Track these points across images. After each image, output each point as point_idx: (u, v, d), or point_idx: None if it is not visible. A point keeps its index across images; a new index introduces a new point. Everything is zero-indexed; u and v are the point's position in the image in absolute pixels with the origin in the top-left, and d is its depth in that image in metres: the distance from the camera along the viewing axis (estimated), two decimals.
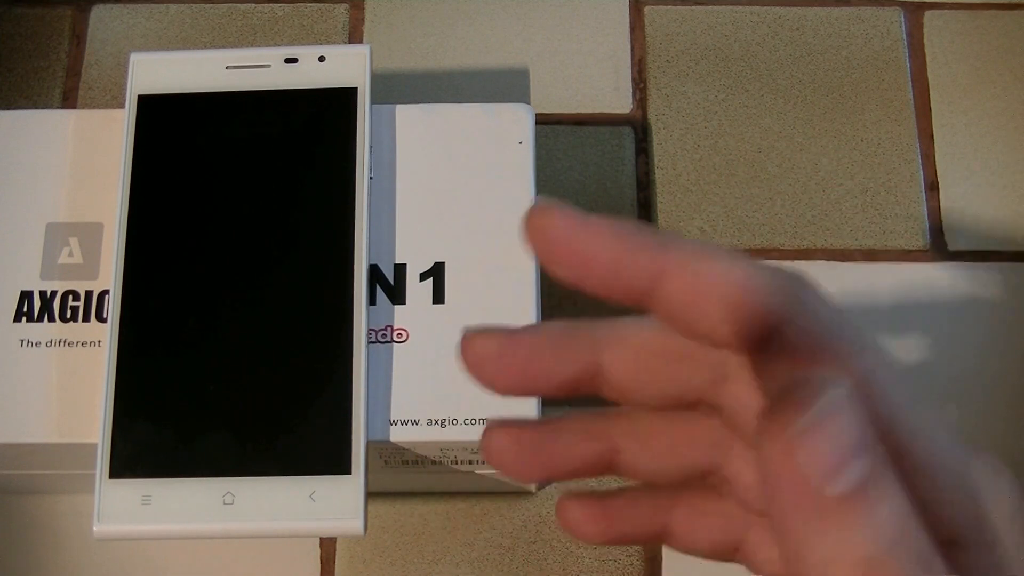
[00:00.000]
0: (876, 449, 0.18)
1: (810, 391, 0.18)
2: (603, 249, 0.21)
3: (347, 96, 0.37)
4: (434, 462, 0.36)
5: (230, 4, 0.49)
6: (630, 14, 0.49)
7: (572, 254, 0.21)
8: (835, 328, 0.21)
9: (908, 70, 0.48)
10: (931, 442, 0.21)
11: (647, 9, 0.49)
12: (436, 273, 0.36)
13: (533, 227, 0.21)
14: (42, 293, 0.36)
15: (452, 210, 0.37)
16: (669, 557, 0.41)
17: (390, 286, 0.36)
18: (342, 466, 0.33)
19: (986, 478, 0.21)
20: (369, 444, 0.34)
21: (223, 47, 0.48)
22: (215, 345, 0.35)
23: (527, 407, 0.35)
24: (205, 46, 0.48)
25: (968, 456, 0.21)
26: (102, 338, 0.36)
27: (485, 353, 0.22)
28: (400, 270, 0.36)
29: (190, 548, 0.41)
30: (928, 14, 0.49)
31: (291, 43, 0.48)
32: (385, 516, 0.41)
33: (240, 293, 0.35)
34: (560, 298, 0.44)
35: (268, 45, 0.48)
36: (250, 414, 0.34)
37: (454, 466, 0.36)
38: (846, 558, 0.18)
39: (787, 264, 0.44)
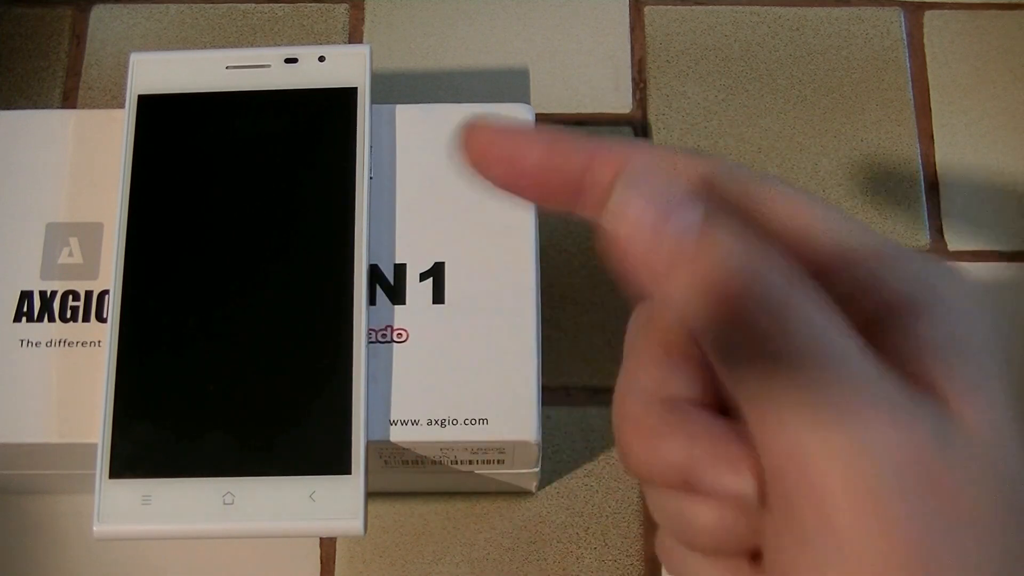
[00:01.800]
0: (706, 204, 0.20)
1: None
2: (534, 151, 0.23)
3: (347, 96, 0.37)
4: (434, 462, 0.36)
5: (230, 4, 0.49)
6: (630, 14, 0.49)
7: (505, 159, 0.23)
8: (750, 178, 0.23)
9: (908, 70, 0.48)
10: (857, 234, 0.22)
11: (647, 9, 0.49)
12: (436, 273, 0.36)
13: (467, 140, 0.23)
14: (42, 293, 0.36)
15: (452, 210, 0.37)
16: None
17: (390, 286, 0.36)
18: (342, 466, 0.33)
19: (933, 266, 0.22)
20: (369, 444, 0.34)
21: (223, 47, 0.48)
22: (215, 345, 0.35)
23: (528, 412, 0.35)
24: (205, 46, 0.48)
25: (923, 263, 0.22)
26: (102, 338, 0.36)
27: (489, 151, 0.23)
28: (400, 270, 0.36)
29: (190, 548, 0.41)
30: (928, 14, 0.49)
31: (291, 43, 0.48)
32: (385, 516, 0.41)
33: (240, 293, 0.35)
34: (560, 298, 0.44)
35: (268, 45, 0.48)
36: (250, 414, 0.34)
37: (454, 466, 0.36)
38: (696, 291, 0.20)
39: None
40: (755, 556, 0.22)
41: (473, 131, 0.23)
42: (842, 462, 0.19)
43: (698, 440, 0.21)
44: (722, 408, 0.22)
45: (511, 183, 0.23)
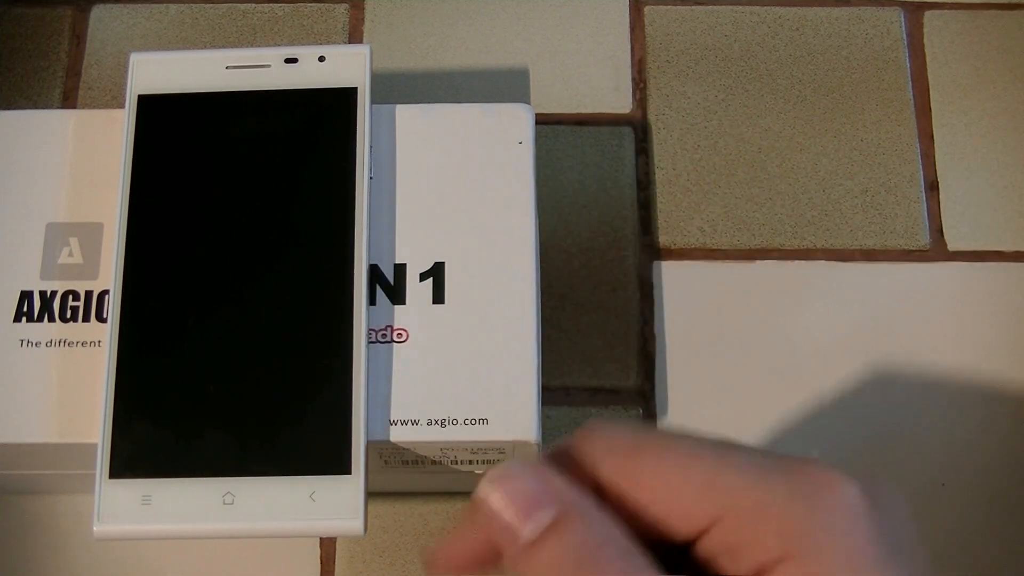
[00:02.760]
0: (563, 497, 0.24)
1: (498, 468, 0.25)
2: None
3: (347, 96, 0.37)
4: (434, 462, 0.36)
5: (230, 4, 0.49)
6: (630, 14, 0.49)
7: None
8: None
9: (908, 70, 0.48)
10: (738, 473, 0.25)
11: (647, 9, 0.49)
12: (436, 273, 0.36)
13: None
14: (42, 293, 0.36)
15: (452, 210, 0.37)
16: None
17: (390, 286, 0.36)
18: (342, 466, 0.33)
19: (813, 491, 0.24)
20: (369, 444, 0.34)
21: (223, 47, 0.48)
22: (215, 345, 0.35)
23: (528, 412, 0.35)
24: (205, 46, 0.48)
25: (787, 476, 0.25)
26: (102, 338, 0.36)
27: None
28: (400, 270, 0.36)
29: (190, 548, 0.41)
30: (928, 14, 0.49)
31: (291, 43, 0.48)
32: (385, 516, 0.41)
33: (240, 293, 0.35)
34: (560, 298, 0.44)
35: (268, 45, 0.48)
36: (250, 414, 0.34)
37: (454, 466, 0.37)
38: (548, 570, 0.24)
39: (787, 264, 0.44)
40: None
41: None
42: None
43: None
44: None
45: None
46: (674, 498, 0.25)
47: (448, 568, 0.27)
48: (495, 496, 0.25)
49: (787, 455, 0.26)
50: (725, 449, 0.26)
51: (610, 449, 0.26)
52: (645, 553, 0.24)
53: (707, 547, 0.25)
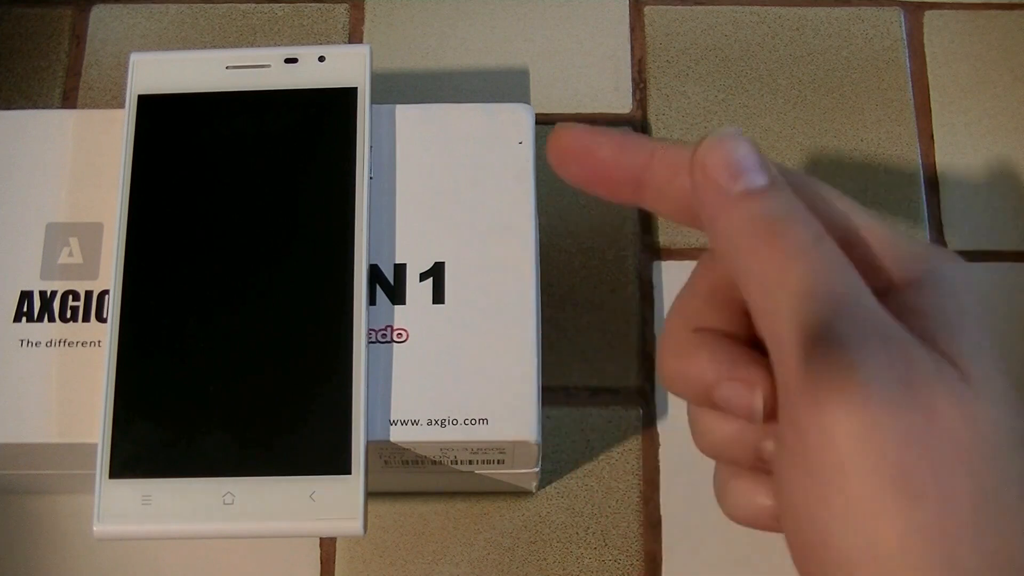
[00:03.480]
0: (778, 179, 0.25)
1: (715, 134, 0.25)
2: (604, 148, 0.27)
3: (347, 96, 0.37)
4: (434, 462, 0.36)
5: (230, 4, 0.49)
6: (630, 14, 0.49)
7: (581, 156, 0.27)
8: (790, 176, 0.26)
9: (908, 70, 0.48)
10: (885, 230, 0.26)
11: (647, 9, 0.49)
12: (436, 273, 0.36)
13: (552, 140, 0.27)
14: (42, 293, 0.36)
15: (452, 210, 0.37)
16: (669, 559, 0.41)
17: (390, 286, 0.36)
18: (342, 466, 0.33)
19: (951, 265, 0.26)
20: (369, 444, 0.34)
21: (223, 47, 0.48)
22: (215, 345, 0.35)
23: (528, 412, 0.35)
24: (205, 46, 0.48)
25: (930, 248, 0.26)
26: (102, 338, 0.36)
27: (570, 147, 0.27)
28: (400, 270, 0.36)
29: (190, 548, 0.41)
30: (928, 14, 0.49)
31: (291, 43, 0.48)
32: (385, 516, 0.41)
33: (240, 293, 0.35)
34: (560, 298, 0.44)
35: (268, 45, 0.48)
36: (250, 414, 0.34)
37: (454, 466, 0.37)
38: (744, 222, 0.24)
39: None
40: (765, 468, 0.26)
41: (557, 132, 0.27)
42: (860, 442, 0.22)
43: (719, 362, 0.25)
44: (753, 344, 0.26)
45: (585, 178, 0.27)
46: (891, 246, 0.26)
47: (592, 164, 0.27)
48: (715, 154, 0.25)
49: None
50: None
51: (832, 196, 0.26)
52: (835, 247, 0.24)
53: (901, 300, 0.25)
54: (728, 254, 0.25)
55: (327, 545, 0.41)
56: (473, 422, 0.35)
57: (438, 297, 0.36)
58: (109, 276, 0.36)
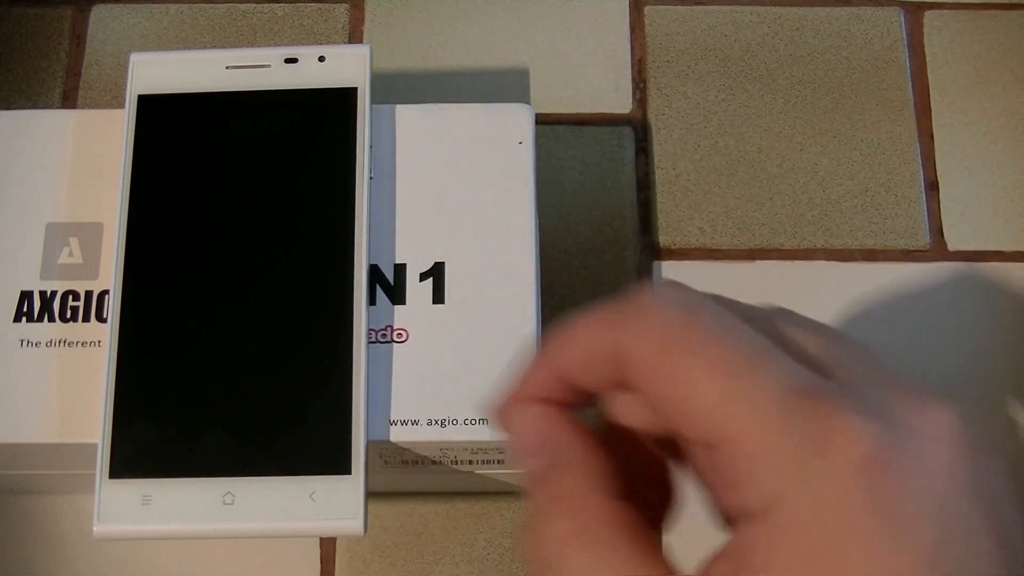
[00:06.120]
0: (557, 444, 0.28)
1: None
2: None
3: (347, 96, 0.37)
4: (434, 462, 0.36)
5: (230, 4, 0.49)
6: (630, 14, 0.49)
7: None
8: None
9: (908, 70, 0.48)
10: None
11: (647, 9, 0.49)
12: (436, 273, 0.36)
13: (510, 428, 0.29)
14: (42, 293, 0.36)
15: (452, 210, 0.37)
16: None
17: (390, 286, 0.36)
18: (342, 466, 0.33)
19: (823, 443, 0.23)
20: (369, 444, 0.34)
21: (223, 47, 0.48)
22: (215, 345, 0.35)
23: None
24: (205, 46, 0.48)
25: (806, 420, 0.23)
26: (102, 338, 0.36)
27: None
28: (400, 270, 0.36)
29: (190, 548, 0.41)
30: (928, 14, 0.49)
31: (291, 43, 0.48)
32: (385, 516, 0.41)
33: (240, 293, 0.35)
34: (560, 298, 0.44)
35: (268, 45, 0.48)
36: (250, 414, 0.34)
37: (454, 466, 0.37)
38: None
39: (787, 264, 0.44)
40: None
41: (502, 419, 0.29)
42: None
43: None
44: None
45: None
46: (689, 409, 0.24)
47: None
48: (506, 431, 0.28)
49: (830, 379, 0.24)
50: (767, 359, 0.24)
51: (645, 336, 0.25)
52: (623, 510, 0.26)
53: (716, 460, 0.24)
54: None
55: (327, 545, 0.41)
56: (473, 422, 0.35)
57: (438, 297, 0.36)
58: (109, 276, 0.36)
